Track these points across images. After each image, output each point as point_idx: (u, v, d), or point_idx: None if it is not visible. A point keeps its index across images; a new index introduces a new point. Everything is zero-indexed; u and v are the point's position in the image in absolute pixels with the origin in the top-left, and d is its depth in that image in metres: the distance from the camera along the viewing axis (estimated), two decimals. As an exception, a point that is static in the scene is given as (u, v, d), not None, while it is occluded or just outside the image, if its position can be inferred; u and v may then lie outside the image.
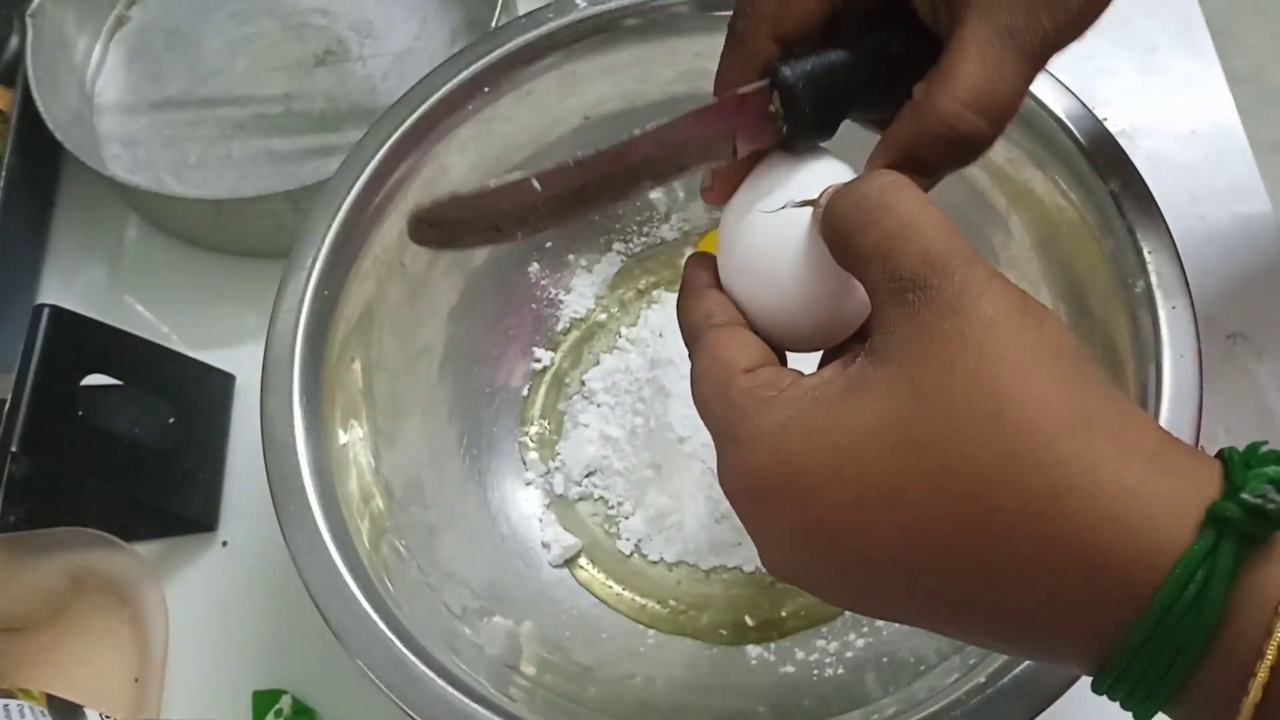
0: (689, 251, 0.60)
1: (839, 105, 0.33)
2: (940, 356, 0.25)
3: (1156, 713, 0.25)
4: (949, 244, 0.27)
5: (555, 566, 0.53)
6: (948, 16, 0.32)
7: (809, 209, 0.32)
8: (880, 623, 0.49)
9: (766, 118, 0.33)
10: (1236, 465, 0.24)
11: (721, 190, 0.35)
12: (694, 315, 0.33)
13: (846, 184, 0.30)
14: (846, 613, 0.50)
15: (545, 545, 0.53)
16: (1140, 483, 0.24)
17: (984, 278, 0.26)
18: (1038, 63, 0.32)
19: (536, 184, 0.31)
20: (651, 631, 0.51)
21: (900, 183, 0.29)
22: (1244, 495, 0.23)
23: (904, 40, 0.34)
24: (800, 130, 0.33)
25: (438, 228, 0.31)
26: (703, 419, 0.31)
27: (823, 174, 0.33)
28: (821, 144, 0.34)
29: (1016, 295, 0.26)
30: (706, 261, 0.34)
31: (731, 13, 0.34)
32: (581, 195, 0.32)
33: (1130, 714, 0.26)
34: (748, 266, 0.33)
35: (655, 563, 0.53)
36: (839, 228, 0.29)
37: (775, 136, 0.33)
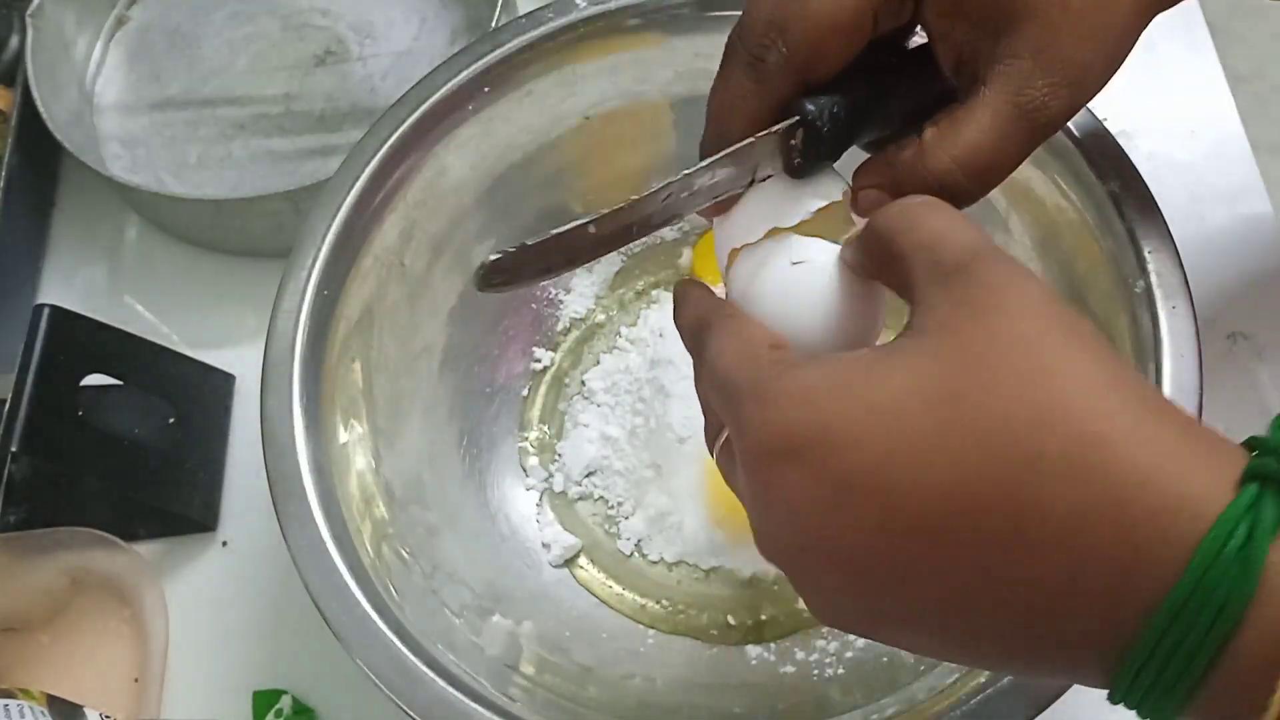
0: (688, 252, 0.60)
1: (851, 139, 0.35)
2: (983, 324, 0.26)
3: (1177, 710, 0.24)
4: (990, 245, 0.27)
5: (555, 566, 0.53)
6: (970, 74, 0.33)
7: (823, 243, 0.33)
8: (880, 623, 0.49)
9: (783, 150, 0.34)
10: (1273, 429, 0.24)
11: (723, 205, 0.35)
12: (700, 307, 0.34)
13: (888, 207, 0.31)
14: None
15: (545, 545, 0.53)
16: (1177, 444, 0.24)
17: (1024, 272, 0.27)
18: (1041, 139, 0.33)
19: (593, 228, 0.33)
20: (651, 631, 0.51)
21: (934, 200, 0.30)
22: None
23: (911, 79, 0.35)
24: (813, 163, 0.34)
25: (503, 274, 0.32)
26: (717, 391, 0.30)
27: (822, 191, 0.34)
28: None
29: (1052, 290, 0.27)
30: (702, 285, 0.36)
31: (745, 39, 0.34)
32: (625, 232, 0.33)
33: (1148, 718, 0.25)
34: (760, 289, 0.34)
35: (655, 563, 0.53)
36: (883, 229, 0.30)
37: (786, 165, 0.34)
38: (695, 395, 0.52)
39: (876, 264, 0.30)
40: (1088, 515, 0.24)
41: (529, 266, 0.32)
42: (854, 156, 0.36)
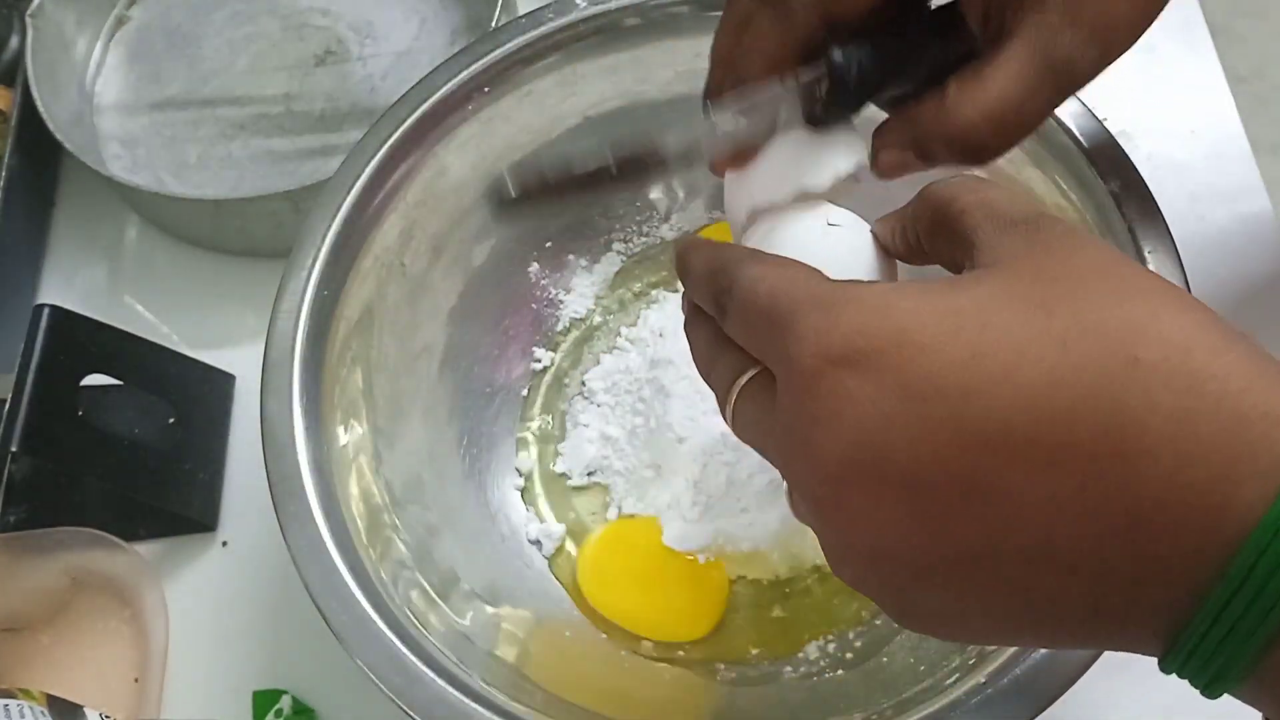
0: None
1: (875, 91, 0.34)
2: (1059, 255, 0.25)
3: (1232, 680, 0.23)
4: (1043, 208, 0.27)
5: (547, 558, 0.53)
6: (997, 26, 0.32)
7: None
8: (879, 620, 0.49)
9: (806, 99, 0.33)
10: None
11: (740, 161, 0.34)
12: (720, 251, 0.31)
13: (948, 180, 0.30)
14: (845, 612, 0.50)
15: (535, 542, 0.53)
16: (1265, 362, 0.23)
17: (1082, 231, 0.26)
18: (1067, 94, 0.32)
19: (614, 170, 0.32)
20: (647, 640, 0.51)
21: (993, 181, 0.29)
22: None
23: (937, 32, 0.34)
24: (835, 112, 0.33)
25: (518, 201, 0.32)
26: (758, 316, 0.27)
27: (844, 149, 0.33)
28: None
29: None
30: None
31: None
32: (643, 171, 0.33)
33: (1202, 687, 0.24)
34: (785, 251, 0.32)
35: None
36: (940, 195, 0.29)
37: (807, 114, 0.33)
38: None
39: (927, 223, 0.29)
40: (1189, 419, 0.22)
41: (545, 198, 0.32)
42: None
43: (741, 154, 0.34)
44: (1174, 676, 0.25)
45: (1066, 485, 0.23)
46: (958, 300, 0.24)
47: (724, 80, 0.34)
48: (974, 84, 0.31)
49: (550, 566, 0.53)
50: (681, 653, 0.50)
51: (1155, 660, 0.25)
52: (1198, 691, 0.24)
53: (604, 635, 0.51)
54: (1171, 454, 0.22)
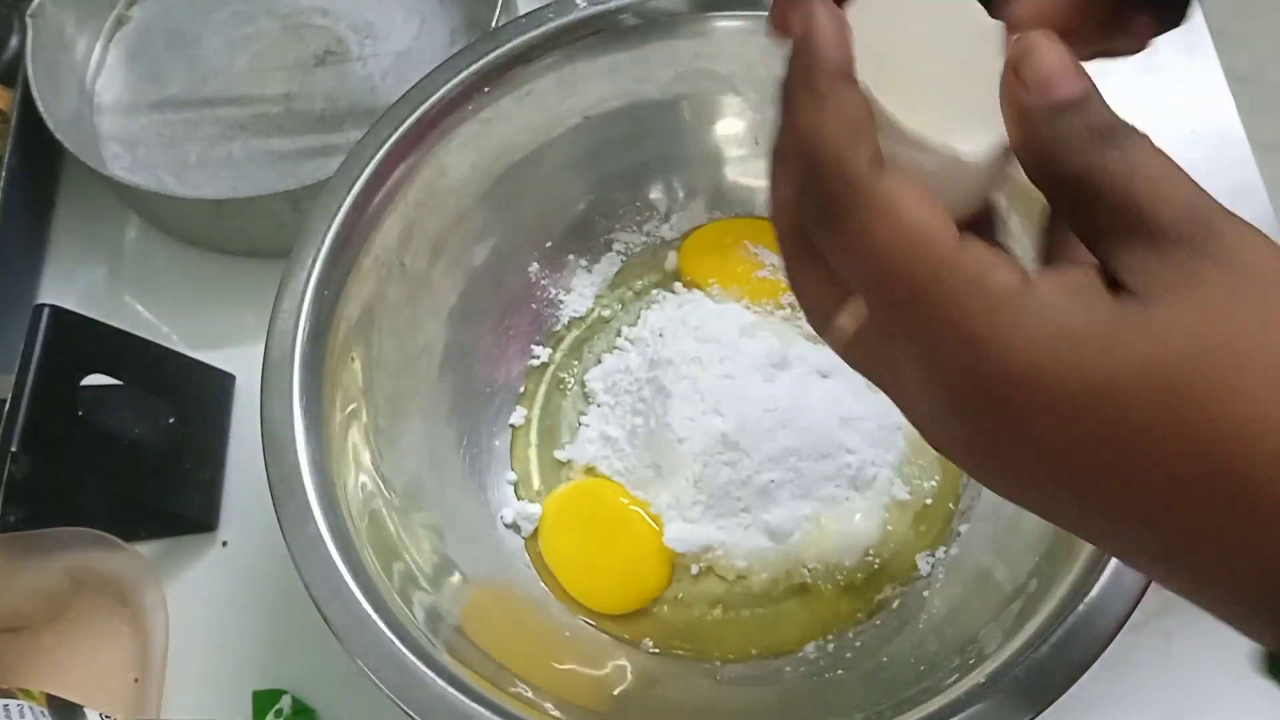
0: (673, 255, 0.60)
1: None
2: (1223, 310, 0.24)
3: None
4: (1208, 201, 0.25)
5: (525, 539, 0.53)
6: None
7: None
8: (879, 620, 0.50)
9: None
10: None
11: None
12: (840, 140, 0.25)
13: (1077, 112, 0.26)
14: (845, 613, 0.50)
15: (513, 525, 0.53)
16: None
17: (1253, 236, 0.25)
18: None
19: None
20: (646, 640, 0.51)
21: (1145, 139, 0.26)
22: None
23: None
24: None
25: None
26: (880, 292, 0.25)
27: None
28: None
29: None
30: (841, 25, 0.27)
31: None
32: None
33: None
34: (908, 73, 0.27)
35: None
36: (1082, 165, 0.25)
37: None
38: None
39: (1060, 190, 0.26)
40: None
41: None
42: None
43: None
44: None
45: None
46: (1105, 366, 0.23)
47: None
48: None
49: (526, 548, 0.53)
50: (681, 651, 0.50)
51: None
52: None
53: (604, 635, 0.51)
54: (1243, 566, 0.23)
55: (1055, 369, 0.23)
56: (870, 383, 0.29)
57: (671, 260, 0.60)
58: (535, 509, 0.53)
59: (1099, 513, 0.25)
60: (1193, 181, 0.26)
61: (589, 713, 0.46)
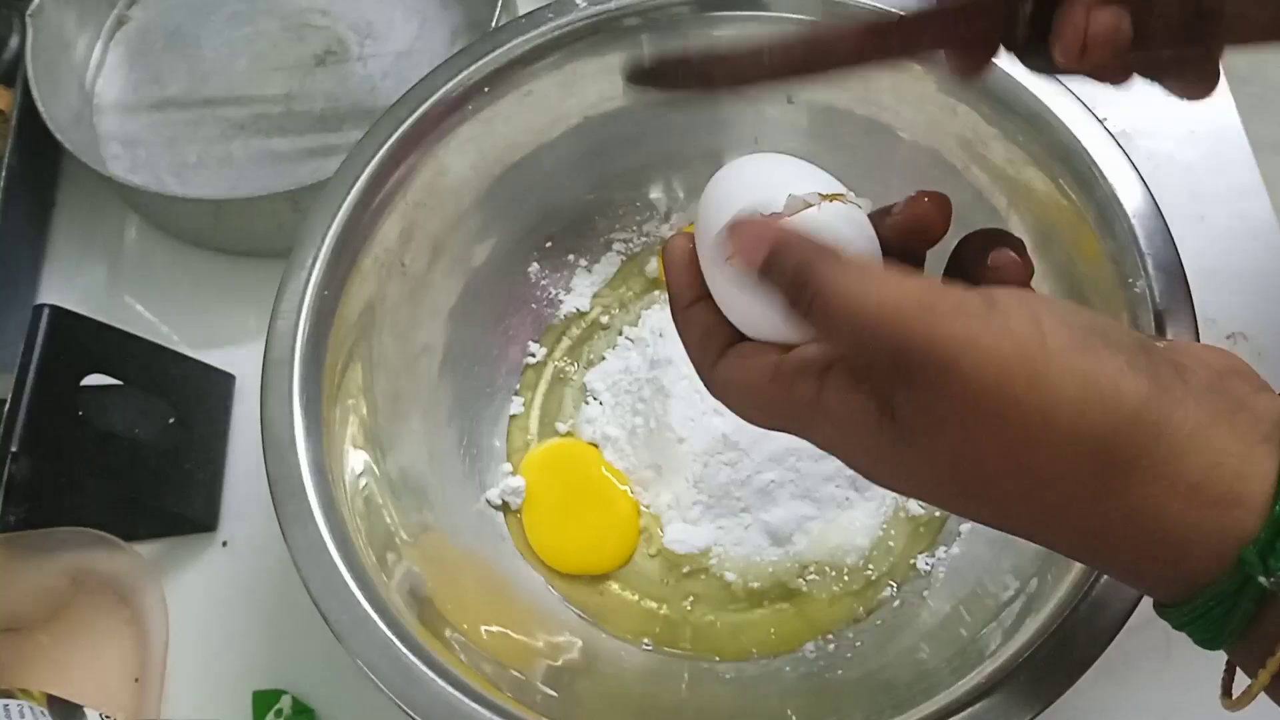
0: (654, 260, 0.60)
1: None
2: (954, 433, 0.27)
3: (1228, 641, 0.28)
4: (901, 323, 0.27)
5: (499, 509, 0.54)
6: None
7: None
8: (879, 620, 0.50)
9: (1009, 19, 0.32)
10: None
11: (974, 70, 0.33)
12: (694, 346, 0.34)
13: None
14: (844, 612, 0.50)
15: (500, 505, 0.54)
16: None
17: (948, 338, 0.27)
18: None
19: (765, 57, 0.31)
20: (646, 639, 0.51)
21: (865, 273, 0.28)
22: None
23: None
24: (1034, 47, 0.32)
25: (654, 75, 0.32)
26: (760, 420, 0.32)
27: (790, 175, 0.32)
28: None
29: (998, 336, 0.26)
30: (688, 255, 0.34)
31: None
32: (803, 67, 0.32)
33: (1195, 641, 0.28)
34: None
35: (653, 556, 0.53)
36: (830, 328, 0.29)
37: (1007, 41, 0.32)
38: (695, 395, 0.52)
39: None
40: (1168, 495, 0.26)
41: (687, 75, 0.32)
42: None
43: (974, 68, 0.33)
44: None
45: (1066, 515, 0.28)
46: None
47: None
48: None
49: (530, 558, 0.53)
50: (680, 651, 0.50)
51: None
52: (1157, 618, 0.29)
53: (604, 634, 0.51)
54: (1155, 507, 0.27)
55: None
56: None
57: (653, 267, 0.59)
58: (520, 481, 0.54)
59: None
60: (896, 306, 0.27)
61: (588, 712, 0.46)
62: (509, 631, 0.49)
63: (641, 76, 0.31)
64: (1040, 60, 0.32)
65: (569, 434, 0.56)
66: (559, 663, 0.49)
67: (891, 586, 0.51)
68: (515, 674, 0.45)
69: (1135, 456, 0.26)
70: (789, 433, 0.32)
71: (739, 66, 0.31)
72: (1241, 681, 0.28)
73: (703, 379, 0.34)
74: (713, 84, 0.32)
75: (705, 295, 0.33)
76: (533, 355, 0.58)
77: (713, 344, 0.33)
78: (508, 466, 0.55)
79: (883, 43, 0.32)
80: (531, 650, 0.49)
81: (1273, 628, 0.27)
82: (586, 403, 0.57)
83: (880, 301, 0.27)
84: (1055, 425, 0.26)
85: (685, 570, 0.52)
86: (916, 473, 0.29)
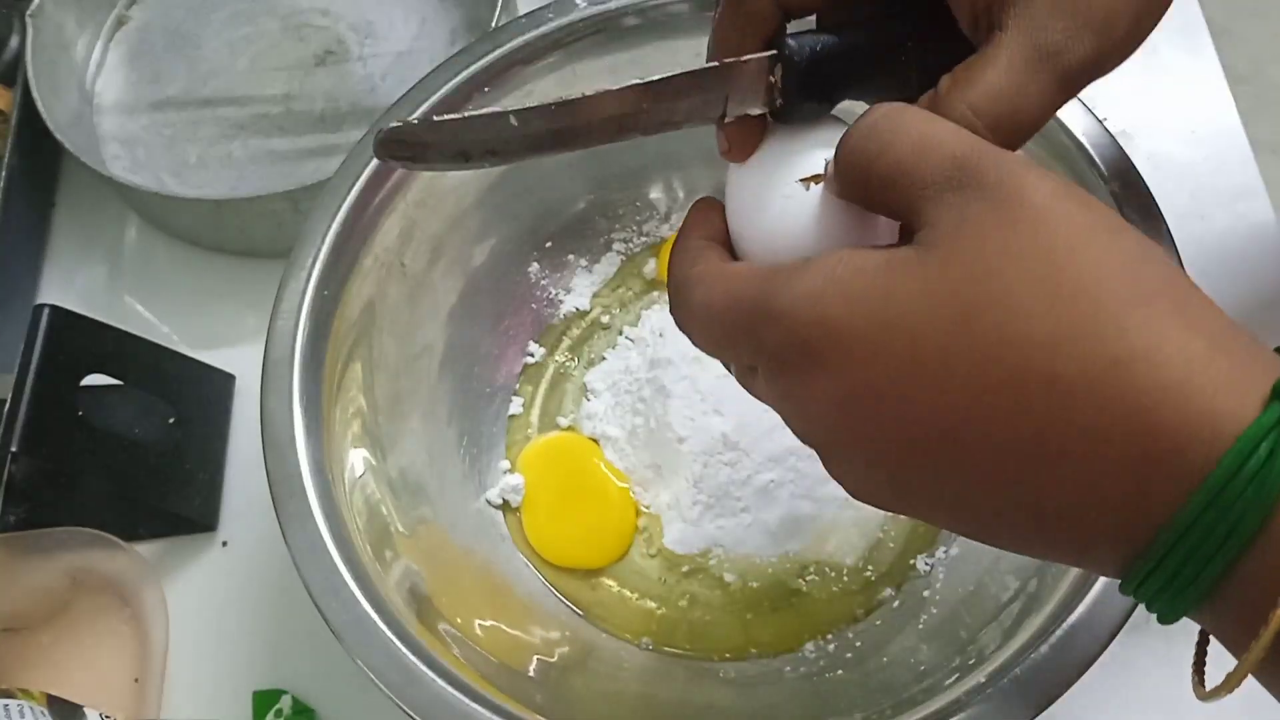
0: (653, 262, 0.60)
1: (839, 87, 0.33)
2: (993, 240, 0.25)
3: (1185, 612, 0.25)
4: (972, 144, 0.27)
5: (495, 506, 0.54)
6: (986, 22, 0.31)
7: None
8: (879, 620, 0.50)
9: (763, 86, 0.32)
10: None
11: (741, 149, 0.34)
12: (677, 270, 0.32)
13: (851, 126, 0.29)
14: (844, 612, 0.50)
15: (500, 505, 0.54)
16: (1204, 357, 0.24)
17: (1020, 167, 0.26)
18: (1070, 89, 0.31)
19: (514, 120, 0.31)
20: (646, 639, 0.51)
21: (901, 107, 0.29)
22: None
23: (919, 32, 0.33)
24: (795, 106, 0.33)
25: (407, 146, 0.31)
26: (725, 333, 0.30)
27: (827, 141, 0.32)
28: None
29: (1058, 179, 0.26)
30: (712, 215, 0.34)
31: None
32: (558, 137, 0.32)
33: (1157, 615, 0.26)
34: (763, 237, 0.32)
35: (653, 556, 0.53)
36: (853, 163, 0.29)
37: (769, 106, 0.33)
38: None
39: (859, 194, 0.29)
40: (1106, 433, 0.24)
41: (440, 147, 0.31)
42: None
43: (741, 146, 0.34)
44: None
45: (995, 478, 0.25)
46: (889, 310, 0.26)
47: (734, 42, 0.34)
48: (964, 78, 0.31)
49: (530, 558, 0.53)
50: (680, 651, 0.50)
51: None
52: (1154, 616, 0.26)
53: (604, 634, 0.51)
54: (1085, 465, 0.24)
55: (841, 316, 0.26)
56: None
57: (651, 268, 0.60)
58: (519, 479, 0.54)
59: (929, 468, 0.27)
60: (960, 132, 0.27)
61: (587, 712, 0.46)
62: (508, 630, 0.49)
63: (390, 149, 0.31)
64: (803, 107, 0.33)
65: (570, 428, 0.56)
66: (559, 662, 0.49)
67: (891, 587, 0.51)
68: (514, 673, 0.45)
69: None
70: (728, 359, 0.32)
71: (491, 136, 0.31)
72: (1219, 663, 0.26)
73: (674, 279, 0.32)
74: (469, 157, 0.31)
75: (720, 238, 0.33)
76: (532, 355, 0.58)
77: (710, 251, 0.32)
78: (506, 464, 0.55)
79: (642, 118, 0.33)
80: (530, 649, 0.49)
81: (1268, 569, 0.23)
82: (587, 399, 0.57)
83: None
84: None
85: (684, 570, 0.52)
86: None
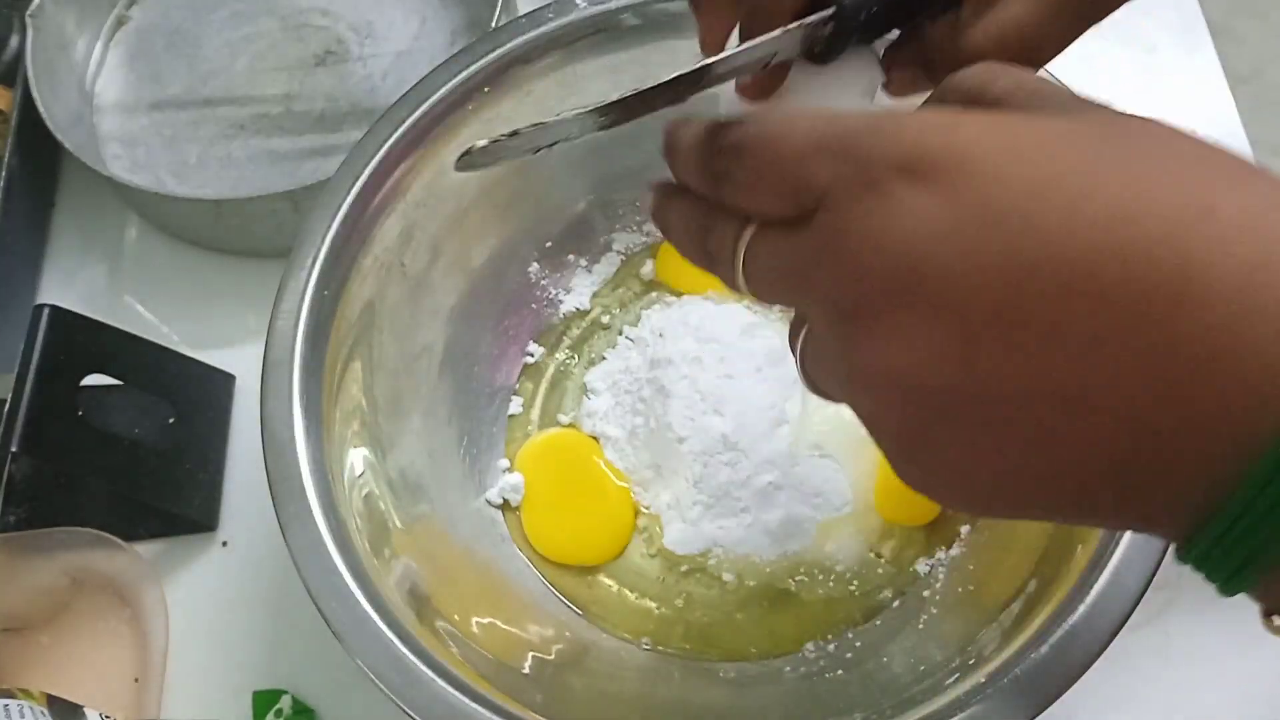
0: (651, 263, 0.60)
1: (884, 29, 0.33)
2: (1132, 121, 0.24)
3: (1253, 580, 0.22)
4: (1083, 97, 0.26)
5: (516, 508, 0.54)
6: None
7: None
8: (879, 620, 0.50)
9: (809, 38, 0.32)
10: None
11: (764, 91, 0.34)
12: (735, 120, 0.28)
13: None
14: (844, 615, 0.50)
15: (500, 504, 0.54)
16: None
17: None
18: (1086, 23, 0.31)
19: (585, 119, 0.33)
20: (645, 639, 0.51)
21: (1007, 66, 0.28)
22: None
23: None
24: (837, 50, 0.33)
25: (485, 156, 0.33)
26: (797, 149, 0.25)
27: (863, 80, 0.33)
28: None
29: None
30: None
31: None
32: (627, 112, 0.33)
33: (1219, 585, 0.23)
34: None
35: (653, 556, 0.53)
36: (974, 81, 0.27)
37: (806, 51, 0.33)
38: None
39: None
40: (1254, 278, 0.20)
41: (513, 152, 0.33)
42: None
43: (762, 86, 0.33)
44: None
45: (1116, 326, 0.21)
46: (1027, 130, 0.23)
47: (726, 27, 0.34)
48: (988, 10, 0.31)
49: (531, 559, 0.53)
50: (680, 651, 0.50)
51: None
52: (1215, 587, 0.23)
53: (603, 634, 0.51)
54: (1230, 309, 0.21)
55: (976, 132, 0.23)
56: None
57: (649, 269, 0.60)
58: (519, 479, 0.54)
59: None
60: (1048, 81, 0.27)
61: (586, 712, 0.46)
62: (509, 630, 0.49)
63: (469, 164, 0.33)
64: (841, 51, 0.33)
65: (571, 426, 0.56)
66: (558, 661, 0.49)
67: (891, 587, 0.51)
68: (514, 672, 0.45)
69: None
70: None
71: (559, 136, 0.33)
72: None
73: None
74: (537, 150, 0.33)
75: None
76: (532, 355, 0.58)
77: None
78: (505, 462, 0.55)
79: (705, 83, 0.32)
80: (529, 648, 0.49)
81: None
82: (587, 398, 0.57)
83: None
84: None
85: (684, 570, 0.52)
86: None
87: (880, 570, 0.51)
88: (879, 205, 0.23)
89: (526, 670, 0.47)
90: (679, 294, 0.58)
